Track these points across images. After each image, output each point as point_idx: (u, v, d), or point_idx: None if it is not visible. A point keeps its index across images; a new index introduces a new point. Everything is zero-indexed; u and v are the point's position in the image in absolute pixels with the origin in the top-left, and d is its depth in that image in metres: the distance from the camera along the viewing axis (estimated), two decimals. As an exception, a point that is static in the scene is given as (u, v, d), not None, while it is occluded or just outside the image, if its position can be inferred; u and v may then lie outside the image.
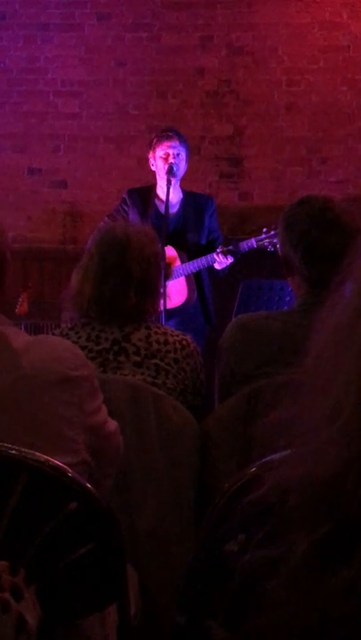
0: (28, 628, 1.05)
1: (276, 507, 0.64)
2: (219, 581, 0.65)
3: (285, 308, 3.81)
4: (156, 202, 4.36)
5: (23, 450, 1.43)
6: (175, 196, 4.33)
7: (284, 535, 0.61)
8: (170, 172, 4.19)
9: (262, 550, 0.64)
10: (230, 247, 4.11)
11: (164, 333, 2.38)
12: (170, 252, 4.16)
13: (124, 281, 2.35)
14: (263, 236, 4.08)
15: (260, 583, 0.61)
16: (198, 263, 4.21)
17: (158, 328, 2.41)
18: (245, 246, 4.11)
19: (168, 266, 4.07)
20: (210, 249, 4.23)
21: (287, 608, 0.58)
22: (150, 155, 4.35)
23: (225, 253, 4.09)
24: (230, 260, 4.11)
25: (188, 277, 4.30)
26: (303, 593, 0.58)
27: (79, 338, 2.32)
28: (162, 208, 4.21)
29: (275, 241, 3.93)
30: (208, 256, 4.17)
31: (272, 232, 3.99)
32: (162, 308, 3.62)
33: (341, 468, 0.59)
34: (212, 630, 0.63)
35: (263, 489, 0.67)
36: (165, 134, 4.32)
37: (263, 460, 1.41)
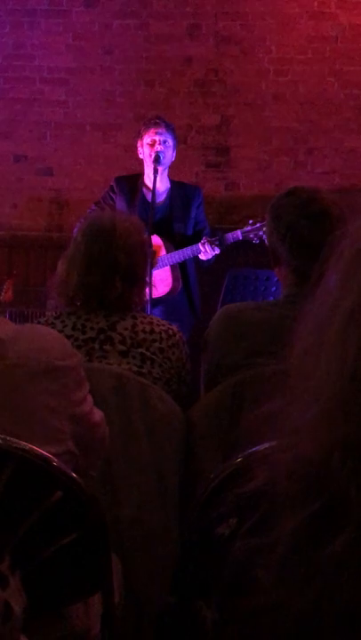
0: (14, 616, 1.05)
1: (268, 492, 0.65)
2: (210, 564, 0.66)
3: (271, 298, 3.82)
4: (144, 190, 4.35)
5: (8, 439, 1.43)
6: (162, 185, 4.32)
7: (275, 521, 0.62)
8: (156, 160, 4.18)
9: (254, 538, 0.64)
10: (216, 238, 4.11)
11: (150, 323, 2.38)
12: (155, 240, 4.15)
13: (109, 270, 2.34)
14: (249, 227, 4.08)
15: (252, 569, 0.62)
16: (183, 253, 4.21)
17: (144, 317, 2.41)
18: (231, 238, 4.11)
19: (153, 254, 4.07)
20: (196, 240, 4.22)
21: (279, 591, 0.59)
22: (138, 142, 4.34)
23: (211, 244, 4.09)
24: (216, 251, 4.11)
25: (173, 267, 4.29)
26: (294, 572, 0.59)
27: (65, 327, 2.32)
28: (149, 196, 4.21)
29: (260, 233, 3.94)
30: (193, 246, 4.17)
31: (258, 224, 3.99)
32: (148, 297, 3.61)
33: (326, 448, 0.60)
34: (202, 611, 0.64)
35: (256, 478, 0.68)
36: (153, 121, 4.31)
37: (249, 450, 1.42)
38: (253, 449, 1.28)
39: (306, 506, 0.60)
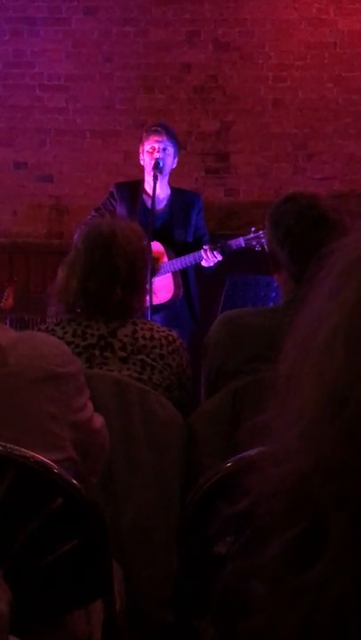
0: (1, 615, 1.04)
1: (255, 513, 0.64)
2: (208, 583, 0.66)
3: (271, 304, 3.82)
4: (144, 197, 4.36)
5: (9, 446, 1.43)
6: (163, 192, 4.33)
7: (264, 542, 0.62)
8: (156, 166, 4.18)
9: (243, 560, 0.64)
10: (219, 246, 4.12)
11: (150, 329, 2.38)
12: (158, 247, 4.16)
13: (110, 277, 2.35)
14: (251, 235, 4.08)
15: (244, 591, 0.62)
16: (186, 260, 4.21)
17: (144, 324, 2.41)
18: (234, 245, 4.12)
19: (156, 261, 4.07)
20: (196, 246, 4.23)
21: (271, 611, 0.59)
22: (140, 149, 4.35)
23: (213, 251, 4.09)
24: (218, 257, 4.11)
25: (174, 274, 4.30)
26: (284, 594, 0.59)
27: (65, 333, 2.32)
28: (149, 203, 4.21)
29: (262, 241, 3.94)
30: (195, 253, 4.17)
31: (260, 232, 3.99)
32: (148, 303, 3.62)
33: (307, 470, 0.60)
34: (200, 628, 0.64)
35: (246, 493, 0.68)
36: (153, 129, 4.32)
37: (239, 455, 1.43)
38: (243, 454, 1.28)
39: (291, 527, 0.60)
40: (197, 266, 4.26)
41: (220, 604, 0.65)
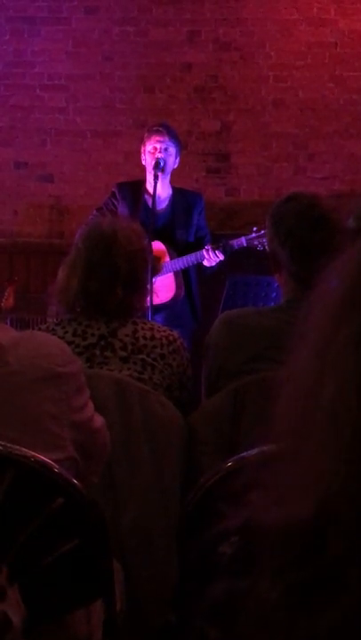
0: (14, 628, 1.04)
1: (247, 539, 0.63)
2: (208, 583, 0.65)
3: (272, 304, 3.82)
4: (146, 197, 4.36)
5: (9, 445, 1.43)
6: (164, 192, 4.34)
7: (253, 567, 0.61)
8: (157, 166, 4.18)
9: (231, 580, 0.63)
10: (221, 245, 4.12)
11: (151, 329, 2.38)
12: (159, 246, 4.16)
13: (110, 276, 2.34)
14: (253, 235, 4.08)
15: (231, 612, 0.61)
16: (188, 260, 4.21)
17: (145, 324, 2.41)
18: (236, 245, 4.12)
19: (158, 260, 4.07)
20: (198, 246, 4.23)
21: None
22: (141, 149, 4.36)
23: (215, 251, 4.10)
24: (220, 257, 4.11)
25: (176, 274, 4.30)
26: (279, 635, 0.58)
27: (66, 333, 2.32)
28: (151, 203, 4.21)
29: (264, 240, 3.94)
30: (197, 253, 4.18)
31: (262, 231, 3.99)
32: (149, 303, 3.62)
33: (317, 514, 0.58)
34: (203, 629, 0.63)
35: (238, 521, 0.66)
36: (155, 129, 4.32)
37: (239, 455, 1.43)
38: (243, 454, 1.28)
39: (294, 570, 0.58)
40: (199, 266, 4.26)
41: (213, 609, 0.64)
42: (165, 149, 4.24)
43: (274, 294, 3.86)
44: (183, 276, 4.35)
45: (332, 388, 0.59)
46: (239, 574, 0.62)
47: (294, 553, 0.59)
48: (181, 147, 4.46)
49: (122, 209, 4.34)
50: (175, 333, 2.44)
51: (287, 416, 0.65)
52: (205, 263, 4.19)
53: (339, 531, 0.57)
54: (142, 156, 4.36)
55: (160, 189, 4.22)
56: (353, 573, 0.56)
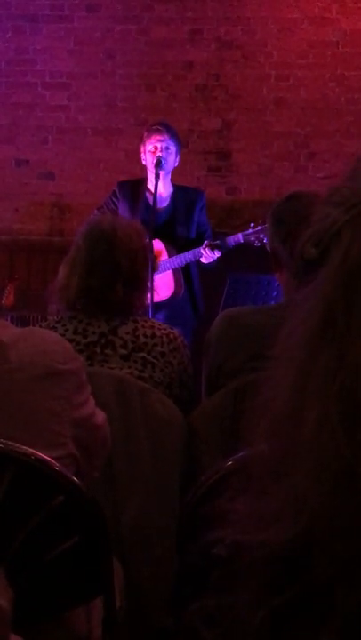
0: (1, 610, 1.04)
1: (229, 558, 0.63)
2: (206, 583, 0.65)
3: (272, 302, 3.82)
4: (147, 195, 4.36)
5: (10, 443, 1.43)
6: (166, 190, 4.34)
7: (233, 586, 0.61)
8: (158, 165, 4.19)
9: (210, 598, 0.63)
10: (217, 242, 4.12)
11: (152, 327, 2.38)
12: (157, 245, 4.16)
13: (111, 274, 2.35)
14: (250, 230, 4.08)
15: (221, 624, 0.61)
16: (185, 257, 4.22)
17: (145, 322, 2.41)
18: (232, 241, 4.12)
19: (155, 259, 4.08)
20: (199, 243, 4.24)
21: None
22: (141, 148, 4.36)
23: (212, 247, 4.11)
24: (217, 254, 4.12)
25: (175, 271, 4.30)
26: None
27: (66, 331, 2.32)
28: (152, 201, 4.22)
29: (261, 236, 3.94)
30: (195, 250, 4.18)
31: (259, 227, 3.99)
32: (149, 301, 3.62)
33: (300, 536, 0.57)
34: (200, 632, 0.63)
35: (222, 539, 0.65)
36: (155, 128, 4.32)
37: (239, 454, 1.42)
38: (243, 452, 1.28)
39: (277, 593, 0.58)
40: (199, 262, 4.27)
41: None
42: (166, 148, 4.25)
43: (275, 293, 3.86)
44: (184, 275, 4.35)
45: (315, 416, 0.58)
46: (225, 590, 0.62)
47: (278, 574, 0.59)
48: (181, 145, 4.46)
49: (123, 207, 4.35)
50: (176, 331, 2.44)
51: (269, 442, 0.64)
52: (203, 260, 4.20)
53: (323, 551, 0.56)
54: (142, 156, 4.36)
55: (161, 188, 4.23)
56: (339, 593, 0.55)
